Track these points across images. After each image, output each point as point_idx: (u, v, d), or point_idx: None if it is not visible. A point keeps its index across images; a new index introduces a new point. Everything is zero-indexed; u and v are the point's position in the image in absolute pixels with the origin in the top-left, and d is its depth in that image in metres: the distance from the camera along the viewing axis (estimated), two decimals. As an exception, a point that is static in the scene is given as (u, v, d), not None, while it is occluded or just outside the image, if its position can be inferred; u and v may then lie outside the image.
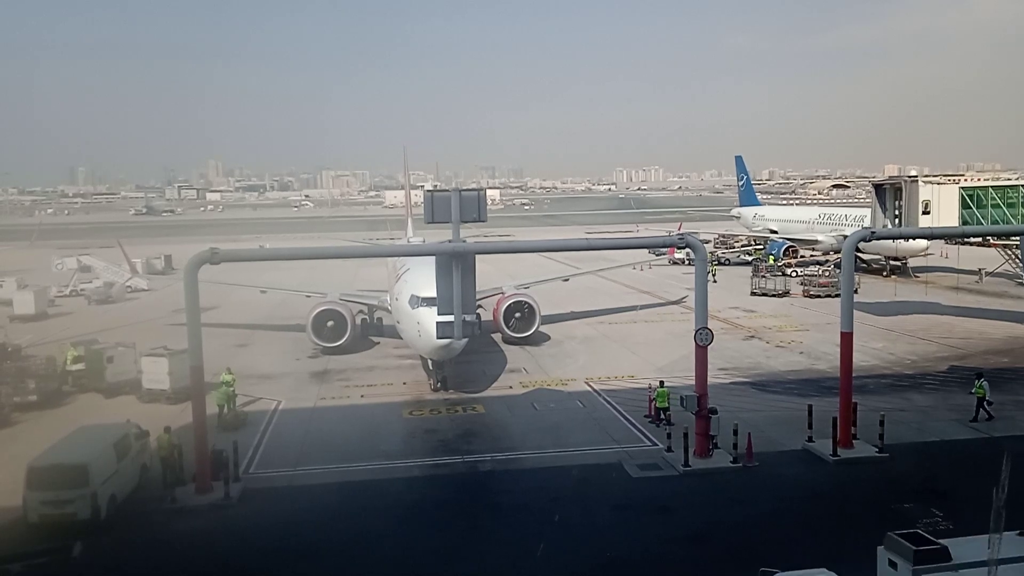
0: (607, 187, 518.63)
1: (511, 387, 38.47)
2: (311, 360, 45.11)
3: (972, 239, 51.09)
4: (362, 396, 37.62)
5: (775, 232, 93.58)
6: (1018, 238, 50.28)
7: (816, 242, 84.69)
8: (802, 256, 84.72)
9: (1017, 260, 52.45)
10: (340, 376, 41.53)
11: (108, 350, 38.93)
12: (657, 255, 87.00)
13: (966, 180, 47.70)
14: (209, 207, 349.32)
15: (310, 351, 46.26)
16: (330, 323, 45.46)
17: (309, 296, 50.84)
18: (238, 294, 60.23)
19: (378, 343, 49.29)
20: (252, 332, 53.54)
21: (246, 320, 56.84)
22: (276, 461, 28.59)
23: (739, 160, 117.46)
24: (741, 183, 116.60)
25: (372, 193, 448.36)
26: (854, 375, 29.72)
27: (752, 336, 49.38)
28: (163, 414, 33.16)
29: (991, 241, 52.21)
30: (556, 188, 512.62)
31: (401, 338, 42.03)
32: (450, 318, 27.26)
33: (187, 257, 26.92)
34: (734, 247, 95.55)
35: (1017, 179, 47.26)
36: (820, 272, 70.51)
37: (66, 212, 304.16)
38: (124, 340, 41.95)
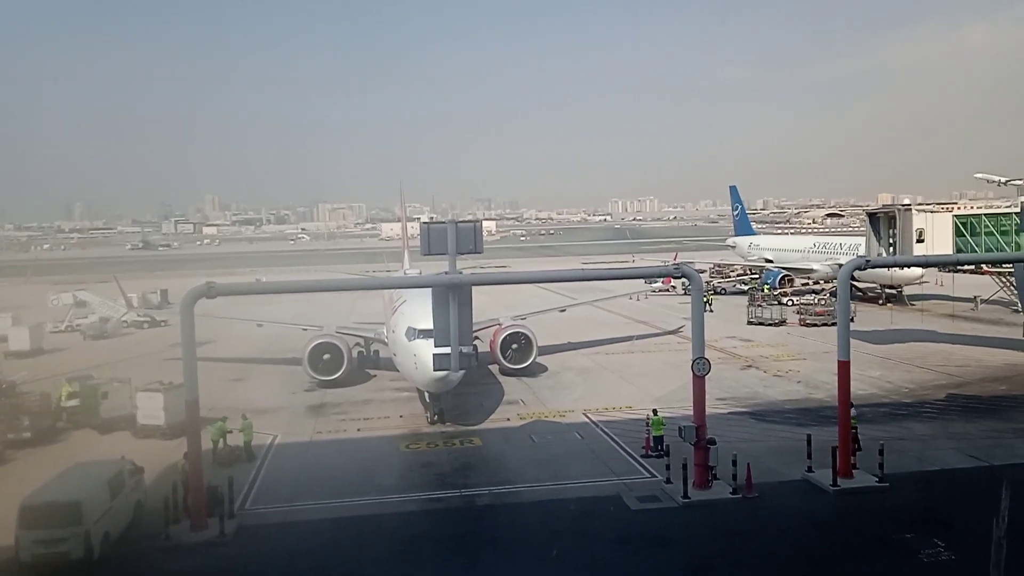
0: (602, 218, 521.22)
1: (508, 419, 38.27)
2: (307, 393, 44.90)
3: (966, 267, 51.29)
4: (359, 430, 37.38)
5: (770, 261, 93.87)
6: (1012, 265, 50.46)
7: (812, 271, 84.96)
8: (798, 285, 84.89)
9: (1012, 287, 52.58)
10: (337, 409, 41.30)
11: (103, 386, 38.75)
12: (651, 284, 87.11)
13: (959, 208, 48.02)
14: (205, 241, 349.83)
15: (306, 384, 46.06)
16: (326, 356, 45.31)
17: (305, 329, 50.73)
18: (235, 328, 60.13)
19: (375, 376, 49.12)
20: (248, 366, 53.33)
21: (242, 354, 56.66)
22: (272, 497, 28.31)
23: (733, 190, 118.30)
24: (736, 213, 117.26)
25: (369, 226, 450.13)
26: (852, 404, 29.64)
27: (749, 365, 49.30)
28: (158, 450, 33.00)
29: (985, 269, 52.40)
30: (552, 219, 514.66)
31: (398, 370, 41.87)
32: (447, 350, 27.16)
33: (183, 291, 26.89)
34: (730, 276, 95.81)
35: (1009, 207, 47.58)
36: (816, 301, 70.66)
37: (62, 247, 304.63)
38: (119, 375, 41.77)
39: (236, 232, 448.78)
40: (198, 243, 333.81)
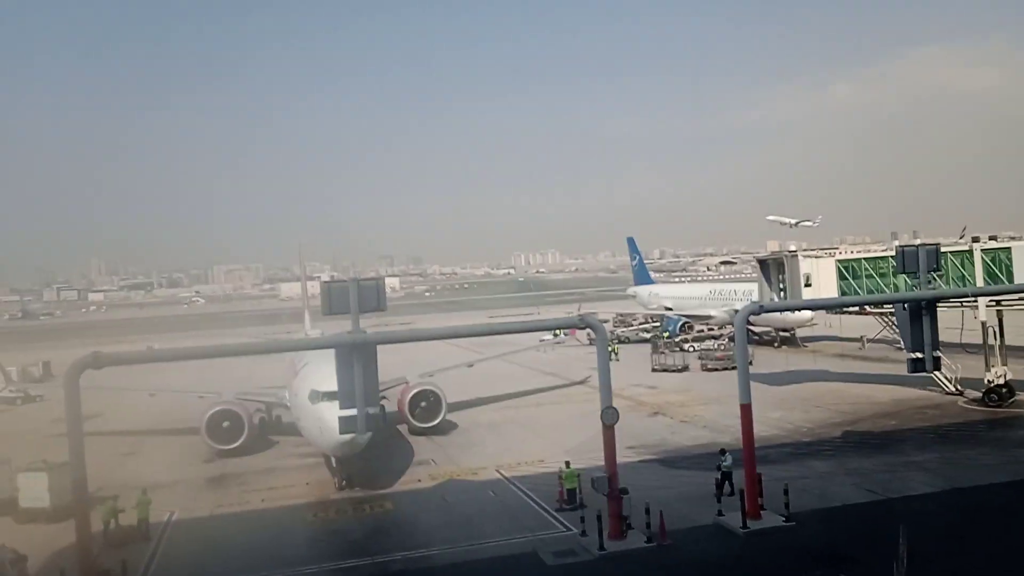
0: (506, 271, 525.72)
1: (420, 480, 37.48)
2: (206, 464, 42.83)
3: (851, 308, 53.94)
4: (263, 500, 35.79)
5: (670, 309, 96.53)
6: (892, 306, 53.39)
7: (710, 317, 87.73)
8: (698, 331, 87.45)
9: (894, 326, 55.60)
10: (238, 480, 39.51)
11: (-22, 468, 35.85)
12: (556, 336, 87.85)
13: (841, 253, 50.67)
14: (92, 308, 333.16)
15: (205, 455, 43.95)
16: (226, 424, 43.48)
17: (203, 397, 48.62)
18: (125, 399, 57.01)
19: (278, 443, 47.37)
20: (141, 438, 50.57)
21: (134, 426, 53.67)
22: (170, 578, 26.63)
23: (631, 241, 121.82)
24: (634, 263, 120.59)
25: (267, 286, 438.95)
26: (756, 446, 30.42)
27: (657, 412, 50.10)
28: (43, 535, 30.66)
29: (868, 309, 55.25)
30: (456, 274, 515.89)
31: (302, 436, 40.55)
32: (353, 412, 26.48)
33: (68, 363, 25.34)
34: (632, 325, 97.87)
35: (885, 251, 50.52)
36: (716, 346, 72.87)
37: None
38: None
39: (125, 297, 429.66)
40: (83, 310, 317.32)
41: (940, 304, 37.15)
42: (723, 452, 32.71)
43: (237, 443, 43.32)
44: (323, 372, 34.84)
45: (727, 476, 31.63)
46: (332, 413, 29.97)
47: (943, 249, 42.69)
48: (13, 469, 35.58)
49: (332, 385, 28.25)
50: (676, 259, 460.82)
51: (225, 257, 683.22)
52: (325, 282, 28.24)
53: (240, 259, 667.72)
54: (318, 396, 35.79)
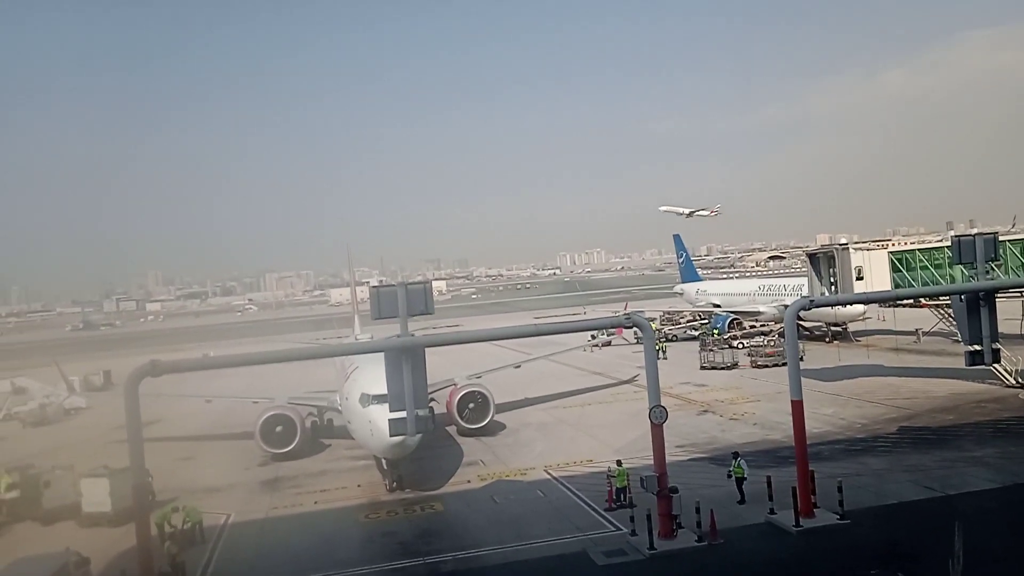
0: (552, 271, 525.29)
1: (469, 481, 37.71)
2: (261, 468, 43.69)
3: (905, 301, 52.73)
4: (316, 502, 36.40)
5: (718, 306, 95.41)
6: (949, 297, 52.05)
7: (759, 313, 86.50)
8: (746, 327, 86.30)
9: (950, 318, 54.19)
10: (292, 483, 40.22)
11: (44, 474, 37.16)
12: (608, 335, 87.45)
13: (894, 245, 49.58)
14: (149, 318, 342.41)
15: (259, 459, 44.85)
16: (279, 428, 44.32)
17: (256, 402, 49.62)
18: (182, 405, 58.52)
19: (329, 445, 48.08)
20: (198, 443, 51.78)
21: (191, 432, 55.02)
22: (227, 579, 27.27)
23: (677, 238, 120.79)
24: (681, 260, 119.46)
25: (317, 292, 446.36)
26: (808, 443, 29.94)
27: (706, 410, 49.60)
28: (105, 539, 31.65)
29: (923, 302, 53.95)
30: (502, 275, 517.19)
31: (353, 439, 41.12)
32: (402, 414, 26.79)
33: (127, 371, 26.12)
34: (680, 323, 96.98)
35: (940, 241, 49.29)
36: (766, 342, 71.77)
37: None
38: (62, 462, 40.17)
39: (181, 307, 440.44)
40: (142, 320, 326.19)
41: (999, 295, 36.06)
42: (736, 456, 32.32)
43: (290, 447, 44.10)
44: (373, 375, 35.29)
45: (740, 482, 31.19)
46: (382, 416, 30.41)
47: (1002, 238, 41.52)
48: (76, 475, 36.81)
49: (382, 388, 28.59)
50: (724, 255, 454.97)
51: (277, 265, 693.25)
52: (374, 287, 28.48)
53: (291, 266, 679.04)
54: (368, 399, 36.27)
